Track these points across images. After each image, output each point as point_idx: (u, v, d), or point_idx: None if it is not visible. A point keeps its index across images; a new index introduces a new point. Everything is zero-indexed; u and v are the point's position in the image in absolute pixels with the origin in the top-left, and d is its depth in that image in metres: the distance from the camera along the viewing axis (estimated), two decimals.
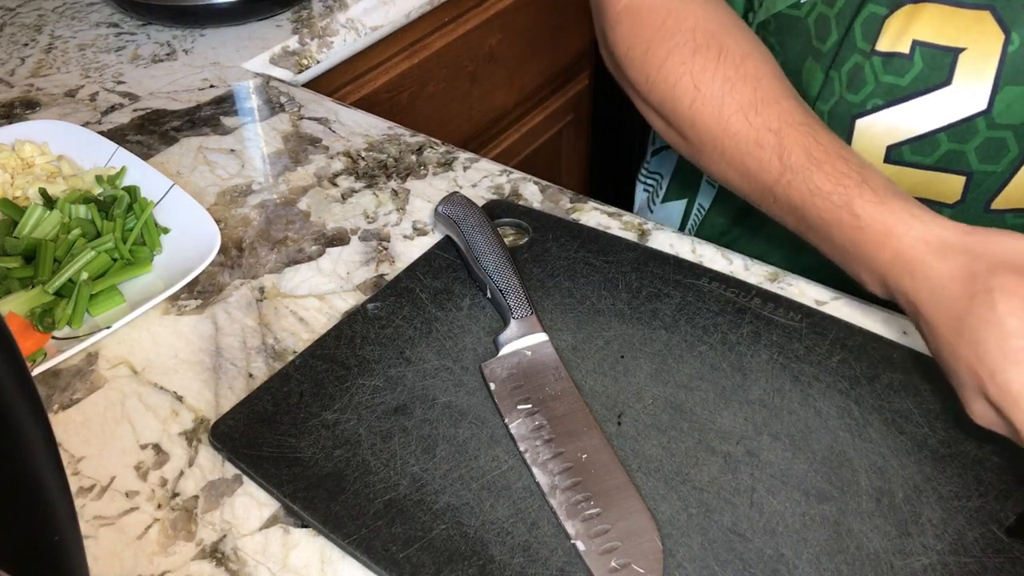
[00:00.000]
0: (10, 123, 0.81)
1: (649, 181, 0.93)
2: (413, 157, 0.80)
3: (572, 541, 0.49)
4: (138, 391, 0.60)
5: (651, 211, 0.91)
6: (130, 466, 0.55)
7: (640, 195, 0.94)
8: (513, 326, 0.60)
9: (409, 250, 0.70)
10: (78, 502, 0.53)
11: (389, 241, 0.71)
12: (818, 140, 0.58)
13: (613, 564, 0.48)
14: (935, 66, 0.62)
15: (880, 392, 0.56)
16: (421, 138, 0.82)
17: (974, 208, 0.66)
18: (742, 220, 0.80)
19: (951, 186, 0.65)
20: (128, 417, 0.58)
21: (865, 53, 0.64)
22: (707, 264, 0.66)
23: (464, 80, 1.30)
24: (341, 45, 1.01)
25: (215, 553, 0.50)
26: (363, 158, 0.80)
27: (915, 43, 0.62)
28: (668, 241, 0.69)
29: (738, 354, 0.59)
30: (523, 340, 0.59)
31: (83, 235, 0.67)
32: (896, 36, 0.62)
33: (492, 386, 0.57)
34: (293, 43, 0.98)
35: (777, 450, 0.53)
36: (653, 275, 0.65)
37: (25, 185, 0.73)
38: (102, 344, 0.63)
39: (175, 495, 0.53)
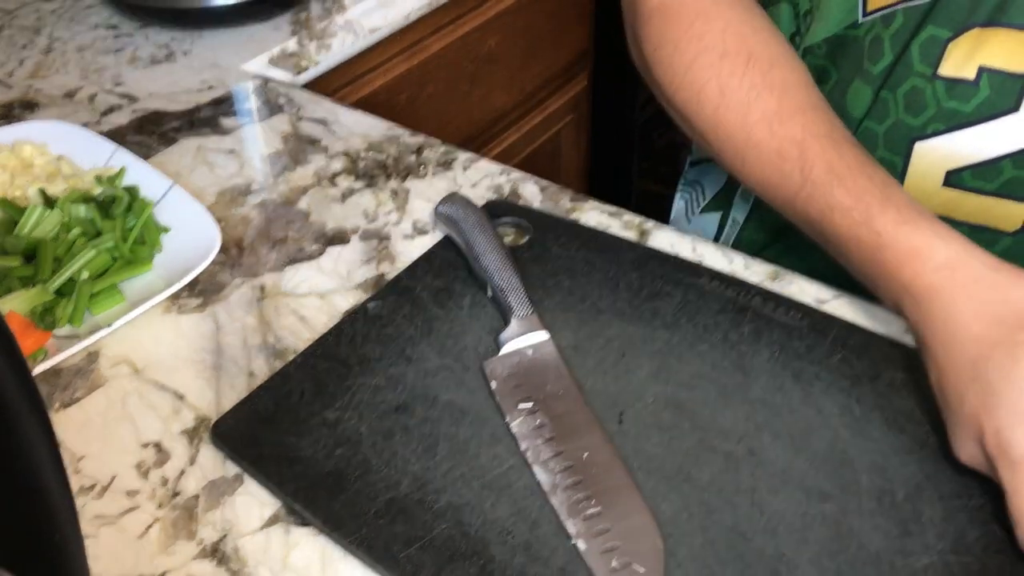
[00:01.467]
0: (9, 124, 0.81)
1: (688, 190, 0.91)
2: (413, 157, 0.80)
3: (573, 540, 0.49)
4: (139, 390, 0.59)
5: (688, 221, 0.90)
6: (131, 465, 0.55)
7: (678, 203, 0.92)
8: (514, 325, 0.60)
9: (409, 249, 0.70)
10: (79, 501, 0.53)
11: (389, 240, 0.71)
12: (841, 154, 0.56)
13: (614, 564, 0.48)
14: (1003, 92, 0.60)
15: (881, 391, 0.56)
16: (420, 138, 0.82)
17: None
18: (781, 237, 0.77)
19: (1012, 213, 0.63)
20: (129, 416, 0.58)
21: (926, 77, 0.62)
22: (707, 263, 0.66)
23: (464, 81, 1.30)
24: (340, 47, 1.01)
25: (216, 552, 0.50)
26: (362, 158, 0.80)
27: (982, 69, 0.60)
28: (668, 240, 0.69)
29: (739, 353, 0.59)
30: (524, 339, 0.59)
31: (83, 234, 0.67)
32: (962, 61, 0.60)
33: (493, 385, 0.57)
34: (292, 45, 0.98)
35: (778, 449, 0.53)
36: (654, 274, 0.65)
37: (25, 185, 0.73)
38: (103, 343, 0.63)
39: (176, 494, 0.53)
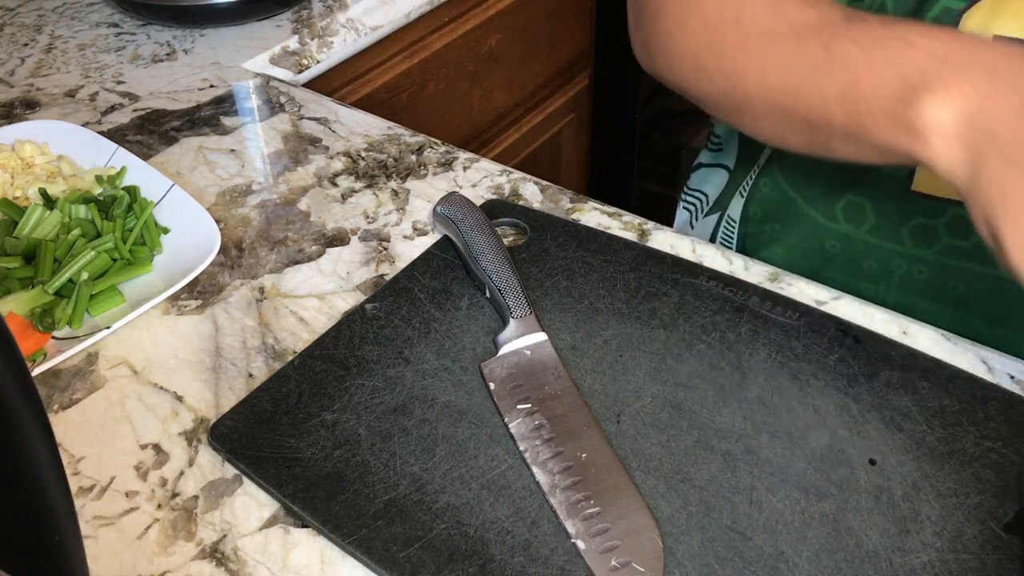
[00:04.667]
0: (10, 123, 0.81)
1: (691, 199, 0.90)
2: (413, 157, 0.80)
3: (572, 540, 0.49)
4: (138, 391, 0.60)
5: (692, 227, 0.89)
6: (130, 466, 0.55)
7: (682, 214, 0.91)
8: (512, 326, 0.60)
9: (409, 250, 0.70)
10: (78, 502, 0.53)
11: (389, 241, 0.71)
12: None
13: (613, 563, 0.48)
14: None
15: (878, 390, 0.56)
16: (421, 138, 0.82)
17: None
18: (770, 219, 0.77)
19: None
20: (128, 417, 0.58)
21: None
22: (707, 264, 0.66)
23: (464, 80, 1.30)
24: (341, 45, 1.02)
25: (215, 553, 0.50)
26: (363, 158, 0.80)
27: (997, 39, 0.57)
28: (668, 241, 0.69)
29: (737, 353, 0.59)
30: (522, 339, 0.59)
31: (83, 235, 0.67)
32: (977, 32, 0.58)
33: (491, 386, 0.57)
34: (293, 43, 0.98)
35: (776, 448, 0.53)
36: (651, 274, 0.65)
37: (25, 185, 0.73)
38: (102, 344, 0.63)
39: (175, 495, 0.53)
